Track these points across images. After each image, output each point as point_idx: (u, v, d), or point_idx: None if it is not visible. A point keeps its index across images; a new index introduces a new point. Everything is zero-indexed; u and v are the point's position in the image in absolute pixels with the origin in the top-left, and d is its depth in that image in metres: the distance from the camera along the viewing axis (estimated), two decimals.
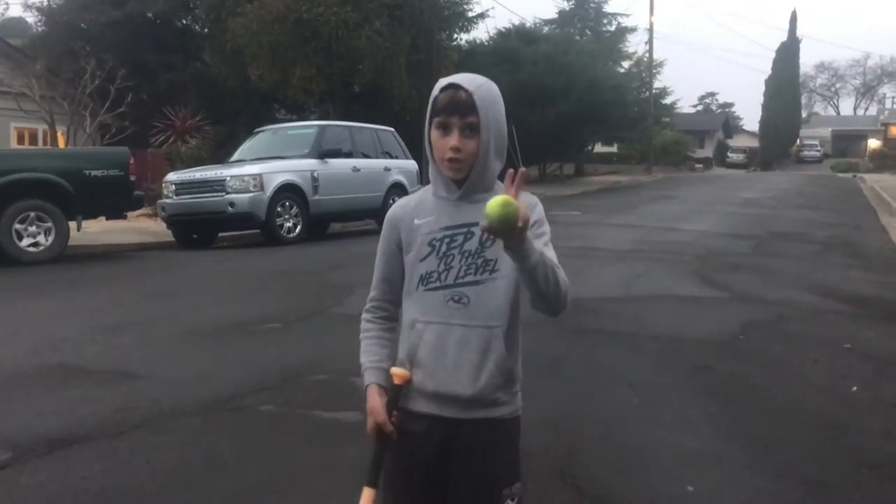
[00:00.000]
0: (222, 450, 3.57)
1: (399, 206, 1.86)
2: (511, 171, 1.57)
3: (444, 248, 1.72)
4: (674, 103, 48.45)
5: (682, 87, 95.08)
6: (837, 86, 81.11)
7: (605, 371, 4.87)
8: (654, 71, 42.44)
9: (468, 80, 1.71)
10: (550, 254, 1.66)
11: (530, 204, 1.70)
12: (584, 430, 3.83)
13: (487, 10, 26.58)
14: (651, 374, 4.80)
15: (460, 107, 1.67)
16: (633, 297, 7.29)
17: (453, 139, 1.67)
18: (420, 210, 1.78)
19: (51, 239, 10.03)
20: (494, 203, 1.46)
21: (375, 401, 1.75)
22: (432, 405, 1.73)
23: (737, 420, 4.00)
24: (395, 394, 1.73)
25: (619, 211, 17.30)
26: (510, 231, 1.48)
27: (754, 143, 61.21)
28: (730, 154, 59.80)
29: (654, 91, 41.81)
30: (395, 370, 1.74)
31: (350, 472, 3.19)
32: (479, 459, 1.72)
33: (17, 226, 9.73)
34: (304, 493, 3.15)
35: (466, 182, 1.72)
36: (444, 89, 1.70)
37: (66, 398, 4.28)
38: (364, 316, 1.88)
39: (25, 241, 9.83)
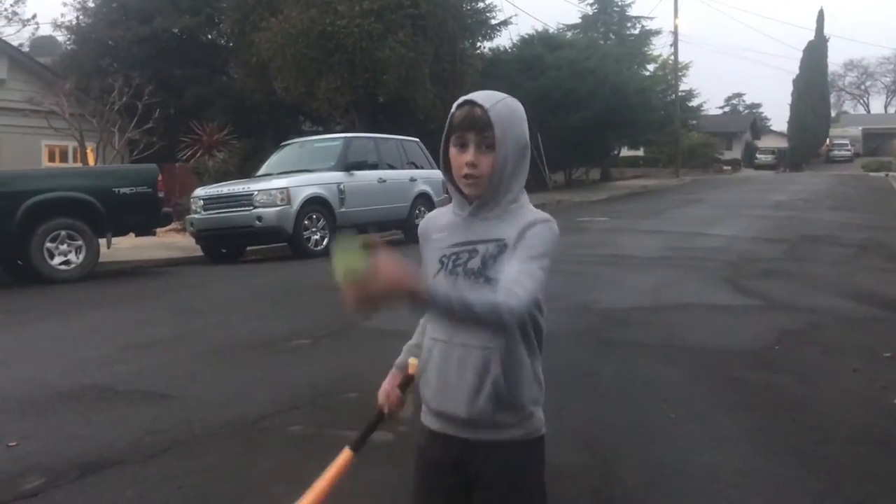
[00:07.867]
0: (252, 472, 3.54)
1: (427, 218, 1.85)
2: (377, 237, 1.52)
3: (450, 265, 1.70)
4: (700, 105, 48.01)
5: (708, 89, 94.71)
6: (867, 84, 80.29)
7: (639, 385, 4.77)
8: (680, 73, 42.10)
9: (485, 96, 1.67)
10: (517, 274, 1.54)
11: (539, 219, 1.64)
12: (619, 448, 3.75)
13: (510, 18, 26.63)
14: (686, 388, 4.70)
15: (476, 123, 1.64)
16: (665, 306, 7.19)
17: (469, 154, 1.65)
18: (440, 224, 1.77)
19: (81, 257, 10.13)
20: (342, 255, 1.35)
21: (386, 383, 1.84)
22: (438, 423, 1.74)
23: (774, 435, 3.90)
24: (407, 381, 1.80)
25: (648, 216, 17.15)
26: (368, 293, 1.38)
27: (783, 144, 60.63)
28: (758, 155, 59.34)
29: (679, 93, 41.47)
30: (413, 360, 1.79)
31: (382, 492, 3.16)
32: (494, 482, 1.69)
33: (49, 244, 9.84)
34: None
35: (479, 199, 1.68)
36: (460, 106, 1.68)
37: (96, 421, 4.28)
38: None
39: (57, 260, 9.93)
